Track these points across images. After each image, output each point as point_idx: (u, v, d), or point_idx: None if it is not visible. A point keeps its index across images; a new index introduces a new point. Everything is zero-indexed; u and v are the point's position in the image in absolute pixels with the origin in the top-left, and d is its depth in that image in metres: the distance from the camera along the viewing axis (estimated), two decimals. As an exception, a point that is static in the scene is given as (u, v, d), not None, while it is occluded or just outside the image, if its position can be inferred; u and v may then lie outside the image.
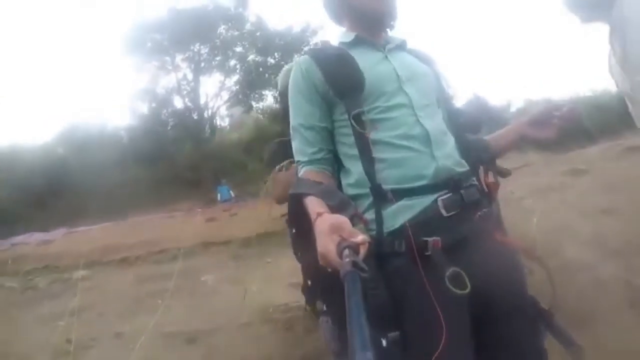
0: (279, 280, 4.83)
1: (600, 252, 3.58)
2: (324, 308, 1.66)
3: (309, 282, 1.63)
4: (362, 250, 0.98)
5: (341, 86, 1.37)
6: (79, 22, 41.82)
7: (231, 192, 17.86)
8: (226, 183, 18.32)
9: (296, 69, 1.46)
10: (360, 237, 1.01)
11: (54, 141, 23.27)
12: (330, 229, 1.05)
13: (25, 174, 19.30)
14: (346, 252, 0.95)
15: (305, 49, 1.69)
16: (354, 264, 0.89)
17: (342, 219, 1.08)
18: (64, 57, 44.32)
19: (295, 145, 1.46)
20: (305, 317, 3.88)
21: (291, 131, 1.48)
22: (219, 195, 17.60)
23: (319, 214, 1.14)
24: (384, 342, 1.15)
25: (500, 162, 1.72)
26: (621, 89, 1.65)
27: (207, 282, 6.35)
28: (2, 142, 22.99)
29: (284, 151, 1.80)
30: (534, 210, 4.29)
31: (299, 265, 1.64)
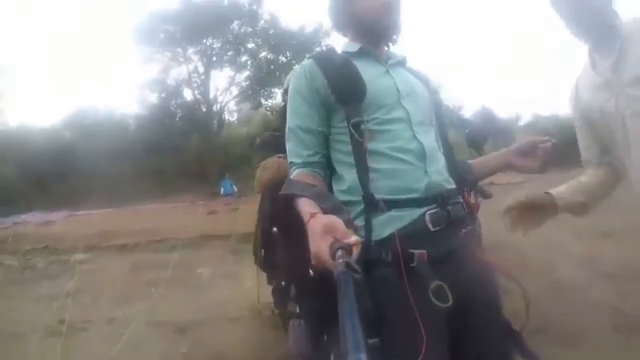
0: None
1: (592, 275, 3.61)
2: (297, 310, 1.69)
3: (283, 283, 1.66)
4: (355, 252, 0.98)
5: (343, 93, 1.39)
6: (94, 7, 41.96)
7: (234, 187, 17.80)
8: (230, 177, 18.28)
9: (299, 72, 1.47)
10: (354, 239, 1.01)
11: (61, 124, 23.47)
12: (324, 229, 1.05)
13: (31, 155, 19.41)
14: (339, 252, 0.94)
15: (313, 53, 1.74)
16: (347, 265, 0.89)
17: (336, 220, 1.07)
18: (77, 42, 44.45)
19: (290, 146, 1.47)
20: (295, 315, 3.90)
21: (287, 132, 1.48)
22: (222, 190, 17.55)
23: (313, 215, 1.13)
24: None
25: (502, 175, 1.81)
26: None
27: (203, 274, 6.34)
28: (11, 123, 23.04)
29: (275, 144, 1.84)
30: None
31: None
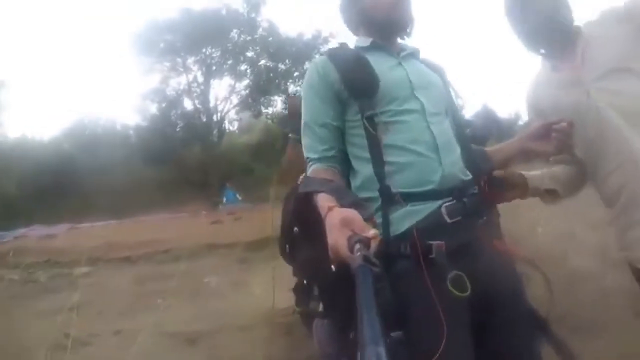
0: (283, 284, 4.78)
1: (606, 262, 3.52)
2: (320, 309, 1.65)
3: (305, 282, 1.67)
4: (373, 245, 0.97)
5: (356, 87, 1.39)
6: (93, 19, 42.19)
7: (238, 195, 17.73)
8: (231, 187, 18.24)
9: (312, 68, 1.49)
10: (372, 232, 1.00)
11: (61, 137, 23.48)
12: (342, 222, 1.05)
13: (32, 168, 19.48)
14: (357, 246, 0.94)
15: (322, 50, 1.70)
16: (365, 258, 0.89)
17: (354, 213, 1.07)
18: (76, 53, 44.78)
19: (306, 141, 1.48)
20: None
21: (302, 128, 1.49)
22: (224, 199, 17.48)
23: (330, 208, 1.13)
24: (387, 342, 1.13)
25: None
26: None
27: (210, 283, 6.34)
28: (11, 135, 23.08)
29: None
30: (539, 220, 4.33)
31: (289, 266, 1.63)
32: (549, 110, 1.75)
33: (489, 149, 1.73)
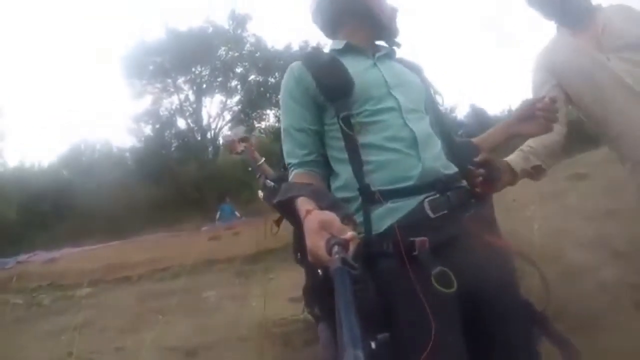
0: (280, 296, 4.84)
1: (603, 255, 3.58)
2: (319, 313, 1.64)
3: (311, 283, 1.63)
4: (352, 247, 0.97)
5: (330, 89, 1.41)
6: (80, 44, 42.36)
7: (236, 212, 17.42)
8: (230, 202, 18.01)
9: (289, 74, 1.50)
10: (350, 234, 0.99)
11: (59, 163, 23.39)
12: (320, 225, 1.04)
13: (31, 195, 19.41)
14: (335, 248, 0.93)
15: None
16: (343, 261, 0.88)
17: (331, 216, 1.07)
18: (68, 78, 44.82)
19: (286, 147, 1.49)
20: (304, 330, 3.92)
21: (282, 134, 1.51)
22: (218, 214, 17.16)
23: (308, 212, 1.12)
24: (373, 345, 1.07)
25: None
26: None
27: (210, 298, 6.31)
28: (10, 163, 23.08)
29: None
30: (535, 216, 4.30)
31: (300, 277, 1.61)
32: (565, 71, 1.90)
33: (476, 139, 1.72)
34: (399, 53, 1.66)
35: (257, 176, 3.14)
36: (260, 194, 3.18)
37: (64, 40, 47.91)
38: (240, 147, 3.30)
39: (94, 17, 39.34)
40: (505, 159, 1.79)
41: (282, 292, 4.94)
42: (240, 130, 3.61)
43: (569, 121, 1.95)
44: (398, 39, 1.64)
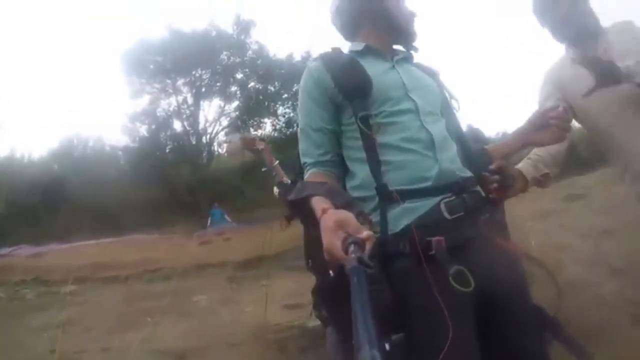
0: (274, 302, 4.87)
1: (601, 271, 3.65)
2: (327, 315, 1.62)
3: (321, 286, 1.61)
4: (368, 246, 0.97)
5: (349, 89, 1.41)
6: (82, 38, 42.46)
7: (226, 216, 17.45)
8: (219, 208, 17.96)
9: (307, 74, 1.50)
10: (366, 233, 1.00)
11: (50, 156, 23.25)
12: (336, 224, 1.05)
13: (20, 188, 19.27)
14: (352, 247, 0.94)
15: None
16: (360, 260, 0.88)
17: (348, 215, 1.08)
18: (65, 73, 44.86)
19: (302, 147, 1.50)
20: (300, 337, 3.89)
21: (299, 133, 1.52)
22: (209, 220, 17.12)
23: (324, 210, 1.13)
24: (387, 346, 1.12)
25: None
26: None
27: (200, 302, 6.31)
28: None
29: None
30: (533, 232, 4.38)
31: (294, 285, 1.62)
32: (572, 88, 1.98)
33: (489, 147, 1.73)
34: (416, 58, 1.67)
35: (273, 175, 3.22)
36: (276, 190, 3.25)
37: (64, 35, 47.95)
38: (261, 144, 3.37)
39: (95, 14, 39.41)
40: (516, 166, 1.89)
41: (277, 299, 5.01)
42: (236, 138, 3.72)
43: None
44: (415, 44, 1.64)
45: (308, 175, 1.45)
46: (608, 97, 1.85)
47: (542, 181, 1.95)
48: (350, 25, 1.65)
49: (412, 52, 1.64)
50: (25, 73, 43.32)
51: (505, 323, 1.31)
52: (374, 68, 1.46)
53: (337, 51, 1.58)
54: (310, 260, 1.54)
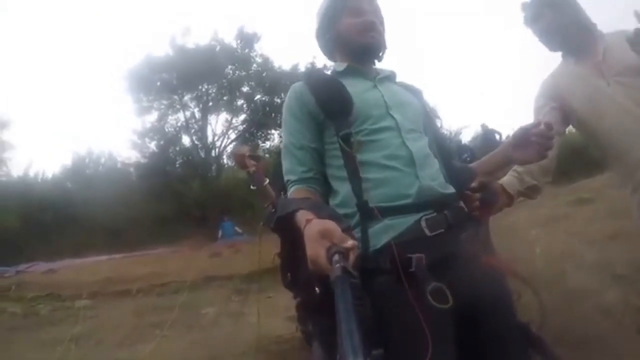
0: (277, 314, 4.88)
1: (605, 278, 3.58)
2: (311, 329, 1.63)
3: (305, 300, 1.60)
4: (352, 256, 0.97)
5: (330, 108, 1.45)
6: (91, 59, 42.84)
7: (237, 228, 17.36)
8: (230, 219, 17.92)
9: (291, 93, 1.54)
10: (350, 242, 1.00)
11: (62, 174, 23.40)
12: (320, 234, 1.03)
13: (35, 205, 19.44)
14: (336, 257, 0.93)
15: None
16: (344, 269, 0.88)
17: (332, 224, 1.07)
18: (77, 92, 45.27)
19: (285, 164, 1.51)
20: (301, 349, 3.93)
21: (282, 151, 1.53)
22: (219, 233, 17.05)
23: (308, 220, 1.11)
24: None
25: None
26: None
27: (208, 315, 6.33)
28: (15, 173, 23.08)
29: None
30: (538, 240, 4.31)
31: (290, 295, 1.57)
32: (569, 97, 2.01)
33: (474, 163, 1.73)
34: (403, 77, 1.70)
35: (266, 206, 3.09)
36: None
37: (73, 53, 48.30)
38: (251, 166, 3.23)
39: (102, 32, 39.83)
40: (500, 181, 1.85)
41: (280, 311, 4.97)
42: (244, 150, 3.46)
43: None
44: (382, 53, 1.67)
45: (292, 191, 1.45)
46: (600, 105, 1.89)
47: (529, 194, 1.93)
48: (326, 51, 1.74)
49: (378, 61, 1.67)
50: (36, 95, 43.86)
51: (489, 340, 1.29)
52: (355, 87, 1.49)
53: (319, 71, 1.69)
54: (289, 274, 1.54)
